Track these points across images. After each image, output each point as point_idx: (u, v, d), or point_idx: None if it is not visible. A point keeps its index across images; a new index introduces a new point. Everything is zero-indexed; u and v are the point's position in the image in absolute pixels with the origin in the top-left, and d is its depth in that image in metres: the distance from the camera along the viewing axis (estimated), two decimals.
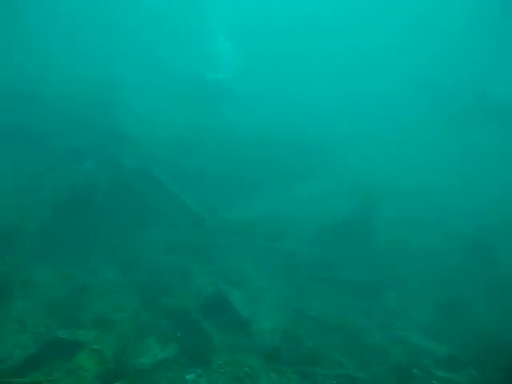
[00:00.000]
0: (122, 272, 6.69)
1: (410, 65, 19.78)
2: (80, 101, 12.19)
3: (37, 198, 6.95)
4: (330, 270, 7.50)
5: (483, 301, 7.28)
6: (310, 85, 18.05)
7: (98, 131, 10.33)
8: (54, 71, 15.16)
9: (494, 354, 5.91)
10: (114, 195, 7.31)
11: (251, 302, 5.83)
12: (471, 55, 20.62)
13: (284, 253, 7.70)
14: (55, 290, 5.56)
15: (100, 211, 7.05)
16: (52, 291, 5.52)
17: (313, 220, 9.98)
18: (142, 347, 4.81)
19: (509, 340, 6.17)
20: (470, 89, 16.67)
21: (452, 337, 6.32)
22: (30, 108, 11.19)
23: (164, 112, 12.70)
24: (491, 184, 12.71)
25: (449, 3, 22.97)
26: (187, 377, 4.49)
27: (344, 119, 16.28)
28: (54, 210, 6.54)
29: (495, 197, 11.92)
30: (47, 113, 10.94)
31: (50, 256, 6.15)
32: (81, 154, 8.55)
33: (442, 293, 7.49)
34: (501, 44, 21.09)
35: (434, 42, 22.60)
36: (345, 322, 5.94)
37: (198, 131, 11.96)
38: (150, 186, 8.03)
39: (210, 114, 12.73)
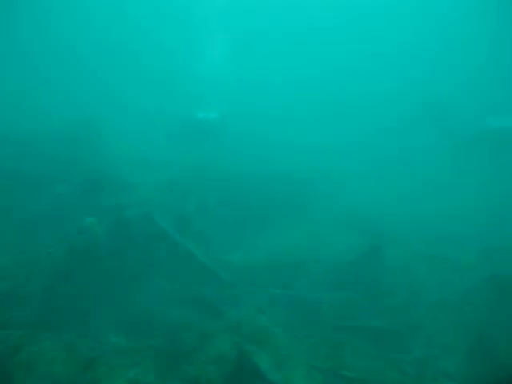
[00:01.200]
0: (130, 335, 6.09)
1: (409, 99, 20.01)
2: (64, 144, 11.77)
3: (34, 259, 6.34)
4: (352, 317, 7.05)
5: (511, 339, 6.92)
6: (308, 121, 18.03)
7: (89, 177, 9.88)
8: (34, 113, 14.71)
9: None
10: (115, 249, 6.76)
11: (280, 364, 5.29)
12: (474, 86, 21.07)
13: (300, 300, 7.22)
14: (60, 369, 4.90)
15: (102, 268, 6.48)
16: (57, 370, 4.86)
17: (320, 260, 9.59)
18: None
19: None
20: (472, 120, 16.88)
21: None
22: (15, 153, 10.68)
23: (156, 154, 12.32)
24: (496, 211, 12.64)
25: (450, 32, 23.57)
26: None
27: (342, 155, 16.22)
28: (54, 271, 5.93)
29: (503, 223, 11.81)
30: (33, 158, 10.47)
31: (51, 323, 5.51)
32: (76, 204, 8.03)
33: (466, 334, 7.13)
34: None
35: (433, 74, 23.05)
36: (382, 379, 5.46)
37: (194, 172, 11.60)
38: (152, 234, 7.54)
39: (204, 153, 12.44)
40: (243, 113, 12.95)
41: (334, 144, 16.44)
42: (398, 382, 5.60)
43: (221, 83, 15.55)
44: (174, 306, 7.21)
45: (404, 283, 8.57)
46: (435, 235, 11.12)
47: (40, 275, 6.00)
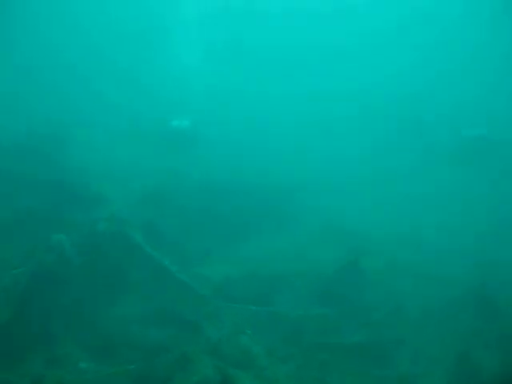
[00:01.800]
0: (103, 360, 5.68)
1: (397, 108, 20.14)
2: (25, 157, 11.19)
3: None
4: (335, 333, 6.86)
5: (495, 355, 6.90)
6: (289, 129, 17.85)
7: (56, 190, 9.38)
8: None
9: None
10: (86, 267, 6.33)
11: None
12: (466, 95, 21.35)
13: (282, 317, 6.96)
14: None
15: (72, 289, 6.04)
16: None
17: (300, 274, 9.38)
18: None
19: None
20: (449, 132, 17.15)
21: None
22: None
23: (128, 164, 11.86)
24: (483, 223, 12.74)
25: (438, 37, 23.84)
26: None
27: (322, 166, 16.11)
28: (18, 294, 5.44)
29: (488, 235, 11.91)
30: None
31: (14, 355, 5.03)
32: (42, 220, 7.54)
33: (451, 349, 7.05)
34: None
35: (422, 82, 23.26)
36: None
37: (167, 183, 11.23)
38: (125, 250, 7.12)
39: (178, 163, 12.07)
40: (218, 120, 12.66)
41: (313, 154, 16.34)
42: None
43: (195, 90, 15.20)
44: (150, 325, 6.83)
45: (387, 297, 8.45)
46: (418, 248, 11.11)
47: (2, 299, 5.49)
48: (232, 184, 12.64)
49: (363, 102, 22.10)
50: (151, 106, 15.28)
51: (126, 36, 23.29)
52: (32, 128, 12.67)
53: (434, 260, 10.29)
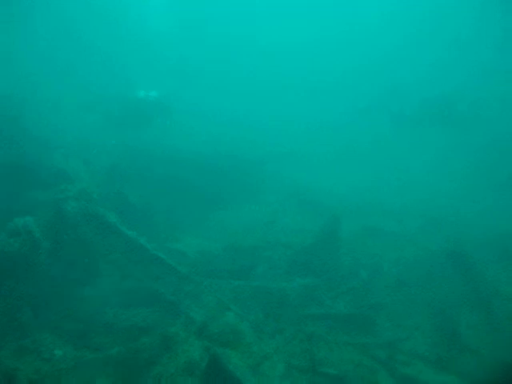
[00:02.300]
0: (80, 346, 5.37)
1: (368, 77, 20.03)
2: None
3: None
4: (318, 304, 6.80)
5: (474, 313, 7.07)
6: (262, 96, 17.38)
7: (14, 165, 8.69)
8: None
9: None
10: (56, 250, 5.88)
11: (255, 366, 4.88)
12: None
13: (264, 291, 6.81)
14: None
15: (42, 274, 5.61)
16: None
17: (276, 244, 9.31)
18: None
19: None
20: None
21: (458, 364, 5.97)
22: None
23: (93, 137, 11.16)
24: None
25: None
26: None
27: (294, 134, 15.86)
28: None
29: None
30: None
31: None
32: (1, 200, 6.95)
33: (430, 311, 7.17)
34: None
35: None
36: (360, 370, 5.25)
37: (135, 155, 10.68)
38: (96, 229, 6.69)
39: (145, 135, 11.49)
40: (186, 90, 12.09)
41: (286, 122, 16.05)
42: (374, 371, 5.42)
43: (161, 60, 14.41)
44: (128, 306, 6.55)
45: (362, 262, 8.49)
46: (387, 210, 11.21)
47: None
48: (202, 155, 12.23)
49: (339, 74, 21.97)
50: (117, 79, 14.40)
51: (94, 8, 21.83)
52: None
53: (408, 224, 10.42)
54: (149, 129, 11.85)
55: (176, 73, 13.72)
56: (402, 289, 7.84)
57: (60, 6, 22.63)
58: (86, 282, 6.59)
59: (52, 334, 5.68)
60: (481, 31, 23.88)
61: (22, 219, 5.32)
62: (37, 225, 5.41)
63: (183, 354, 4.99)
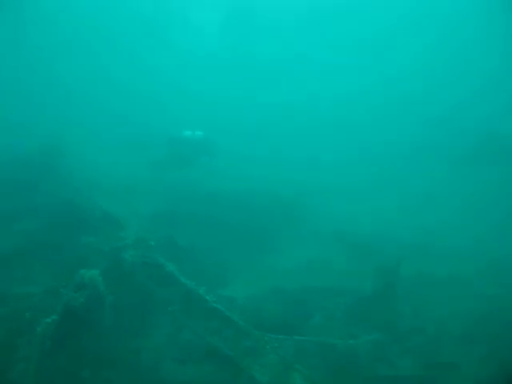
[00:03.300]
0: None
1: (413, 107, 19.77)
2: (28, 173, 10.50)
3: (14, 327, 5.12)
4: (386, 363, 6.31)
5: None
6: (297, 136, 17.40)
7: (61, 210, 8.69)
8: None
9: None
10: (117, 302, 5.67)
11: None
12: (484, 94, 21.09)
13: (330, 348, 6.38)
14: None
15: (104, 328, 5.39)
16: None
17: (328, 291, 8.88)
18: None
19: None
20: (482, 129, 16.73)
21: None
22: None
23: (137, 180, 11.19)
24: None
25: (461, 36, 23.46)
26: None
27: (333, 172, 15.64)
28: (43, 342, 4.77)
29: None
30: None
31: None
32: (56, 246, 6.89)
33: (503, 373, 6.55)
34: None
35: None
36: None
37: (182, 199, 10.61)
38: (155, 279, 6.49)
39: (191, 176, 11.48)
40: (229, 130, 12.11)
41: (324, 160, 15.87)
42: None
43: (203, 99, 14.60)
44: (184, 362, 6.22)
45: (426, 314, 7.96)
46: (443, 253, 10.64)
47: (29, 349, 4.81)
48: (247, 197, 12.16)
49: (365, 105, 21.82)
50: (158, 117, 14.61)
51: (127, 43, 22.63)
52: (32, 145, 11.94)
53: (459, 264, 9.83)
54: (194, 168, 11.84)
55: (218, 112, 13.81)
56: (471, 346, 7.26)
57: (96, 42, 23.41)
58: (141, 333, 6.34)
59: None
60: None
61: (88, 272, 5.14)
62: (102, 278, 5.21)
63: None
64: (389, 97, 21.73)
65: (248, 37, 24.22)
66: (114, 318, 5.55)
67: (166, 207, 10.34)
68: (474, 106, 19.63)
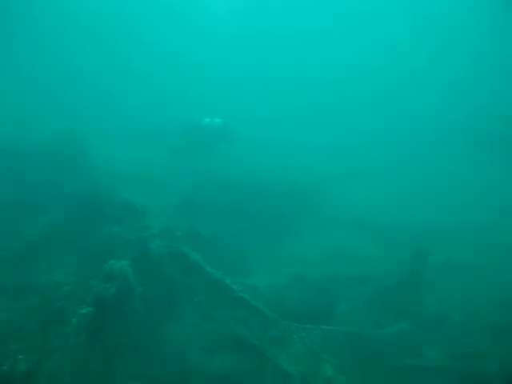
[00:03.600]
0: None
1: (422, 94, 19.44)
2: (45, 162, 10.57)
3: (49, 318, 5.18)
4: (416, 353, 6.26)
5: None
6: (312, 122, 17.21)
7: (85, 201, 8.72)
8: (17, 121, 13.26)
9: None
10: (146, 293, 5.70)
11: None
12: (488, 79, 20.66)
13: (356, 338, 6.35)
14: None
15: (135, 319, 5.43)
16: None
17: (352, 280, 8.82)
18: None
19: None
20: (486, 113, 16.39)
21: None
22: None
23: (159, 169, 11.20)
24: None
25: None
26: None
27: (349, 156, 15.46)
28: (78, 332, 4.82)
29: None
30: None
31: None
32: (80, 235, 6.94)
33: None
34: None
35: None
36: None
37: (205, 187, 10.61)
38: (182, 268, 6.50)
39: (211, 164, 11.45)
40: (247, 117, 12.00)
41: (340, 144, 15.69)
42: None
43: (220, 86, 14.45)
44: (211, 351, 6.25)
45: (454, 302, 7.86)
46: (466, 239, 10.49)
47: (64, 340, 4.87)
48: (262, 182, 12.09)
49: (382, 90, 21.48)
50: (176, 105, 14.54)
51: (144, 32, 22.48)
52: (50, 138, 12.00)
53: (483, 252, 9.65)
54: (213, 156, 11.80)
55: (235, 99, 13.67)
56: (498, 335, 7.16)
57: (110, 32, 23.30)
58: (169, 323, 6.39)
59: (137, 378, 5.48)
60: None
61: (118, 263, 5.16)
62: (132, 269, 5.23)
63: None
64: (406, 83, 21.33)
65: (264, 21, 23.85)
66: (143, 309, 5.57)
67: (187, 195, 10.34)
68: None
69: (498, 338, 6.99)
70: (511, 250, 9.88)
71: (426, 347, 6.58)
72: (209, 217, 10.01)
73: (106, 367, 4.95)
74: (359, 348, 6.10)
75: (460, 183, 14.25)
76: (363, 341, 6.23)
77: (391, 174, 15.05)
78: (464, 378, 6.01)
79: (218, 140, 11.45)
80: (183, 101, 15.45)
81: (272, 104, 17.02)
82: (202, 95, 14.95)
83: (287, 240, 10.92)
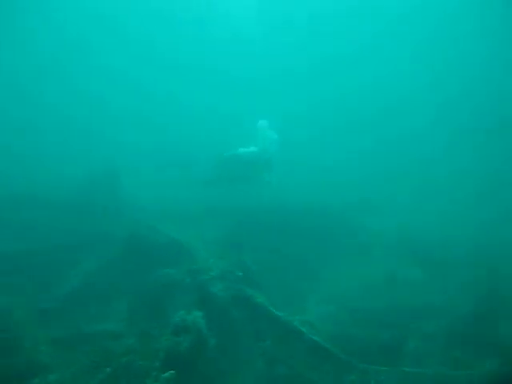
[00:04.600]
0: None
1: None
2: (79, 205, 10.34)
3: None
4: None
5: None
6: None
7: (133, 246, 8.40)
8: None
9: None
10: (219, 342, 5.24)
11: None
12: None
13: (441, 379, 5.77)
14: None
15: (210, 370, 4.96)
16: None
17: (417, 312, 8.19)
18: None
19: None
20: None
21: None
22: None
23: (196, 203, 10.92)
24: None
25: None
26: None
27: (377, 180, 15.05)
28: None
29: None
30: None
31: None
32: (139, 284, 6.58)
33: None
34: None
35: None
36: None
37: (246, 218, 10.27)
38: (245, 312, 6.06)
39: (248, 194, 11.12)
40: (281, 143, 11.72)
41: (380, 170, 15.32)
42: None
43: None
44: None
45: None
46: None
47: None
48: (304, 209, 11.74)
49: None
50: (206, 141, 14.31)
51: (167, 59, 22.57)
52: (77, 182, 11.85)
53: None
54: (251, 186, 11.45)
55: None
56: None
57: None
58: (230, 370, 5.90)
59: None
60: None
61: (190, 314, 4.74)
62: (206, 320, 4.80)
63: None
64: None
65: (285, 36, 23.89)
66: (215, 361, 5.11)
67: (229, 229, 9.96)
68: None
69: None
70: None
71: None
72: (254, 251, 9.59)
73: None
74: None
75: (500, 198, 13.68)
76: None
77: (428, 191, 14.56)
78: None
79: (254, 170, 11.10)
80: (214, 129, 15.32)
81: (299, 127, 16.87)
82: (232, 127, 14.74)
83: (332, 270, 10.39)
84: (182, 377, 4.18)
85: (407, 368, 5.85)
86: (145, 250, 8.14)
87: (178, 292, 6.21)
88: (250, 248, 9.66)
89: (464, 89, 21.56)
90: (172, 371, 4.06)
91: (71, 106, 20.19)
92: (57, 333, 6.26)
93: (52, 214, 9.82)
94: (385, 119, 21.61)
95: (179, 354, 4.48)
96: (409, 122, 20.17)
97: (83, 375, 4.90)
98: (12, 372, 4.96)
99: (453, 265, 9.80)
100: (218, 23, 23.85)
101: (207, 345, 4.74)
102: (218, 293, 5.82)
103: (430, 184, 16.46)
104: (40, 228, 9.07)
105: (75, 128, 17.52)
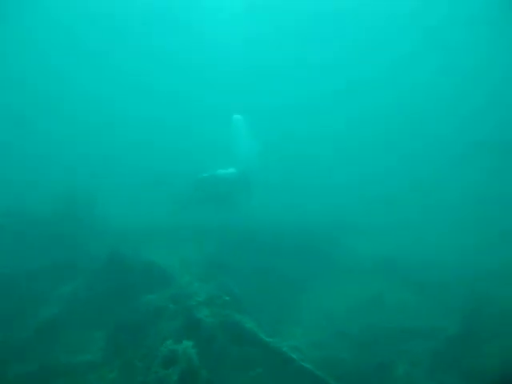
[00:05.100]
0: None
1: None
2: (50, 230, 9.92)
3: None
4: None
5: None
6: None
7: (113, 269, 8.02)
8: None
9: None
10: (211, 376, 4.94)
11: None
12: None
13: None
14: None
15: None
16: None
17: (401, 334, 8.09)
18: None
19: None
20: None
21: None
22: None
23: (176, 226, 10.64)
24: None
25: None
26: None
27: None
28: None
29: None
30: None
31: None
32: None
33: None
34: None
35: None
36: None
37: (225, 240, 10.06)
38: (233, 338, 5.79)
39: (225, 215, 10.94)
40: (261, 165, 11.63)
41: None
42: None
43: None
44: None
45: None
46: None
47: None
48: (283, 230, 11.63)
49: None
50: (184, 160, 14.08)
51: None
52: (53, 203, 11.39)
53: None
54: (230, 207, 11.26)
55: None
56: None
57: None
58: None
59: None
60: None
61: (181, 345, 4.44)
62: (197, 350, 4.51)
63: None
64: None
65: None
66: None
67: (209, 250, 9.72)
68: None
69: None
70: None
71: None
72: (238, 272, 9.37)
73: None
74: None
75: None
76: None
77: (411, 213, 14.68)
78: None
79: (233, 191, 10.95)
80: (189, 151, 15.08)
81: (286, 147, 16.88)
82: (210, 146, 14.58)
83: (317, 291, 10.25)
84: None
85: None
86: (125, 275, 7.76)
87: (163, 319, 5.88)
88: (234, 269, 9.46)
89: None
90: None
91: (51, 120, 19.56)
92: (30, 366, 5.80)
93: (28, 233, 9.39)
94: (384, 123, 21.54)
95: None
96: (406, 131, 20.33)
97: None
98: None
99: (436, 285, 9.82)
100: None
101: (199, 376, 4.43)
102: (205, 319, 5.53)
103: (426, 205, 16.59)
104: (11, 253, 8.56)
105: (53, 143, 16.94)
